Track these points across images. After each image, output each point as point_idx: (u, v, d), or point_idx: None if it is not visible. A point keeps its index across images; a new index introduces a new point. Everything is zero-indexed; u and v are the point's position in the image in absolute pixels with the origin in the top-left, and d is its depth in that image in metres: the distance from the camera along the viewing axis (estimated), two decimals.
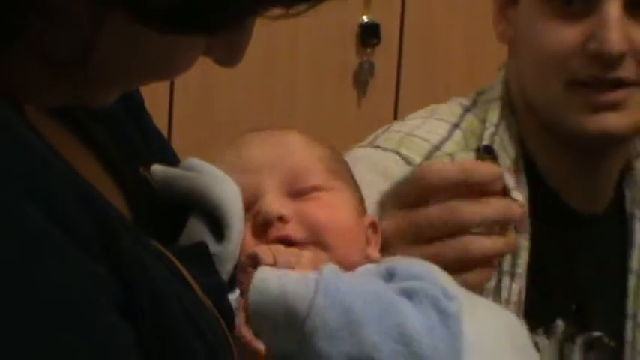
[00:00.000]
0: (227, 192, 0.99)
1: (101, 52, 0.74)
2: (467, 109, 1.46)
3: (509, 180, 1.11)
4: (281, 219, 1.03)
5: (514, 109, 1.43)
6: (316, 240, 1.06)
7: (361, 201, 1.14)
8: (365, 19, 2.33)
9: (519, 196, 1.11)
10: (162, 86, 2.25)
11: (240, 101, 2.34)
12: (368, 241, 1.12)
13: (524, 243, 1.35)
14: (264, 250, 1.03)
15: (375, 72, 2.33)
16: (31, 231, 0.66)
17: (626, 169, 1.47)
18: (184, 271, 0.80)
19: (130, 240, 0.73)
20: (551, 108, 1.39)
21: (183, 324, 0.75)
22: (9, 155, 0.68)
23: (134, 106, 0.95)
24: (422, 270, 1.05)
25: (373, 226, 1.13)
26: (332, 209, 1.09)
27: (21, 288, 0.65)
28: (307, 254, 1.06)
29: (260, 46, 2.21)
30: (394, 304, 0.99)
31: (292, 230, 1.03)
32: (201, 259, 0.87)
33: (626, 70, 1.35)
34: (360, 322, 0.98)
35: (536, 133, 1.42)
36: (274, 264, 1.03)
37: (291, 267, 1.03)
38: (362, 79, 2.36)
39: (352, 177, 1.15)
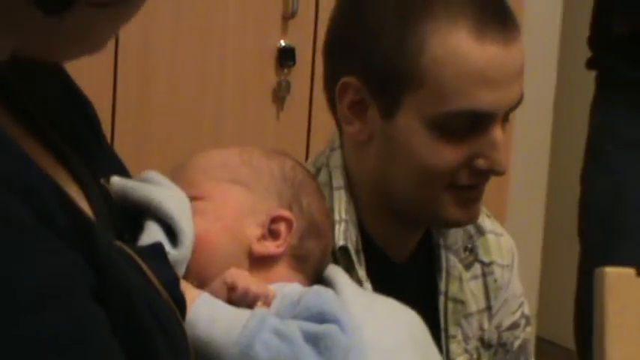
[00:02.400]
0: (178, 202, 1.01)
1: None
2: (318, 169, 1.43)
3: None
4: None
5: (356, 196, 1.39)
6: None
7: (266, 202, 1.13)
8: (282, 43, 2.38)
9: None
10: (105, 108, 2.24)
11: (176, 113, 2.37)
12: (262, 237, 1.11)
13: None
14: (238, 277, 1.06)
15: (291, 90, 2.37)
16: (18, 225, 0.65)
17: None
18: (144, 267, 0.79)
19: (102, 240, 0.72)
20: (426, 203, 1.35)
21: (146, 313, 0.74)
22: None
23: (94, 126, 0.93)
24: (324, 304, 1.05)
25: (276, 219, 1.12)
26: (201, 214, 1.08)
27: (11, 276, 0.64)
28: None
29: (194, 66, 2.36)
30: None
31: None
32: (157, 256, 0.85)
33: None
34: None
35: (375, 215, 1.37)
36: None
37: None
38: (280, 96, 2.39)
39: (268, 180, 1.15)
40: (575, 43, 2.52)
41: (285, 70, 2.37)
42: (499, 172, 1.34)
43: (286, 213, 1.12)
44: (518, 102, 1.34)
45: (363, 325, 1.06)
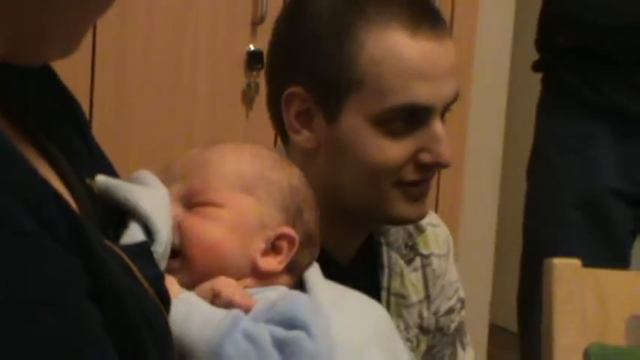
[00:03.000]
0: (156, 202, 0.99)
1: None
2: None
3: None
4: None
5: None
6: (182, 246, 1.07)
7: (272, 216, 1.12)
8: (251, 47, 2.40)
9: None
10: (84, 107, 2.27)
11: (152, 113, 2.36)
12: (266, 253, 1.10)
13: None
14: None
15: (259, 91, 2.34)
16: (23, 233, 0.64)
17: None
18: (132, 265, 0.78)
19: (94, 238, 0.71)
20: (376, 202, 1.34)
21: (135, 311, 0.73)
22: (3, 165, 0.66)
23: (82, 126, 0.91)
24: (295, 311, 1.04)
25: (280, 238, 1.12)
26: (206, 222, 1.09)
27: (14, 280, 0.63)
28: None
29: (168, 69, 2.36)
30: None
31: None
32: (144, 254, 0.85)
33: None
34: None
35: (323, 220, 1.27)
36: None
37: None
38: (249, 97, 2.40)
39: (261, 188, 1.13)
40: (528, 46, 2.50)
41: (254, 73, 2.38)
42: (443, 165, 1.35)
43: (291, 232, 1.12)
44: (454, 98, 1.34)
45: (332, 321, 1.06)
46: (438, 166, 1.35)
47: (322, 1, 1.35)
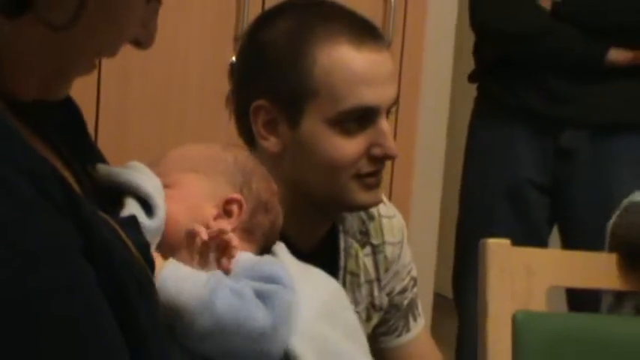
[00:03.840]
0: (154, 185, 1.00)
1: (88, 14, 0.69)
2: None
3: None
4: None
5: None
6: None
7: (220, 188, 1.11)
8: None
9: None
10: (91, 113, 2.24)
11: (148, 116, 2.34)
12: (218, 216, 1.09)
13: None
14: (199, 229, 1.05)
15: None
16: (23, 197, 0.63)
17: None
18: (121, 233, 0.77)
19: (88, 209, 0.70)
20: (338, 193, 1.34)
21: (124, 270, 0.72)
22: (6, 143, 0.65)
23: (82, 129, 0.91)
24: (272, 269, 1.05)
25: (229, 202, 1.10)
26: (170, 199, 1.05)
27: (15, 238, 0.62)
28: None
29: (163, 78, 2.34)
30: (252, 315, 0.98)
31: None
32: (132, 225, 0.84)
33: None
34: (224, 328, 0.98)
35: (290, 215, 1.27)
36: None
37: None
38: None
39: (223, 169, 1.13)
40: (468, 59, 2.50)
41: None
42: (391, 157, 1.36)
43: (237, 196, 1.11)
44: (395, 100, 1.35)
45: (299, 286, 1.06)
46: (387, 157, 1.35)
47: (277, 26, 1.36)
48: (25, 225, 0.63)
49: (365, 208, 1.41)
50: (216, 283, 0.99)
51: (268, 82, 1.35)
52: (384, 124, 1.33)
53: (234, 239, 1.06)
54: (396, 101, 1.36)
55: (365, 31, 1.33)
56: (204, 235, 1.04)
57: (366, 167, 1.34)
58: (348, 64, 1.31)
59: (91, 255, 0.68)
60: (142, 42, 0.78)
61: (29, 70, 0.72)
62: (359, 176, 1.34)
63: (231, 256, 1.06)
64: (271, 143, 1.35)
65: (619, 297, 1.50)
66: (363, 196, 1.36)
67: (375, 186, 1.37)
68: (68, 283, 0.65)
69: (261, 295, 1.00)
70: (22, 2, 0.66)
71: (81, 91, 0.81)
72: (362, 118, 1.32)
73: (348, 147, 1.32)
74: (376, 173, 1.36)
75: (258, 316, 0.99)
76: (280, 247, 1.17)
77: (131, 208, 0.96)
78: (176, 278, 0.99)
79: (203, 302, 0.98)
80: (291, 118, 1.34)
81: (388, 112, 1.36)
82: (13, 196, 0.63)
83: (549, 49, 2.22)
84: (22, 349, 0.62)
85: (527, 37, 2.22)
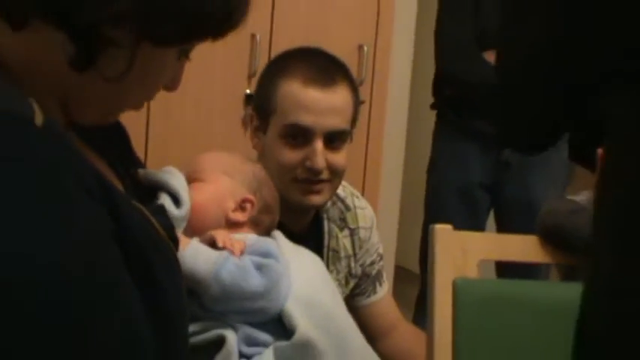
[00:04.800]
0: (181, 184, 0.97)
1: (134, 72, 0.67)
2: None
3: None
4: None
5: None
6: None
7: (239, 190, 1.10)
8: (247, 91, 2.33)
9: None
10: (141, 125, 2.22)
11: (186, 134, 2.30)
12: (236, 209, 1.08)
13: None
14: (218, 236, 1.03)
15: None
16: (68, 193, 0.60)
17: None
18: (151, 218, 0.75)
19: (120, 198, 0.68)
20: (285, 192, 1.30)
21: (150, 247, 0.69)
22: (60, 151, 0.62)
23: (127, 142, 0.89)
24: (268, 248, 1.03)
25: (245, 201, 1.10)
26: (200, 189, 1.05)
27: (62, 222, 0.58)
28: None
29: (195, 105, 2.29)
30: (248, 286, 0.97)
31: None
32: (160, 211, 0.82)
33: (324, 175, 1.32)
34: (229, 291, 0.97)
35: (284, 201, 1.28)
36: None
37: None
38: (245, 122, 2.34)
39: (243, 177, 1.12)
40: (424, 93, 2.51)
41: (249, 107, 2.35)
42: (317, 170, 1.30)
43: (251, 197, 1.11)
44: (338, 131, 1.31)
45: (291, 262, 1.05)
46: (314, 170, 1.30)
47: (268, 65, 1.38)
48: (70, 212, 0.60)
49: (302, 208, 1.35)
50: (223, 259, 0.98)
51: (256, 98, 1.39)
52: (318, 145, 1.29)
53: (237, 250, 1.02)
54: (338, 131, 1.31)
55: (318, 75, 1.31)
56: (220, 242, 1.02)
57: (301, 174, 1.31)
58: (295, 95, 1.30)
59: (119, 235, 0.64)
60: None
61: (88, 107, 0.71)
62: (297, 180, 1.31)
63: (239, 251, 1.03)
64: (257, 144, 1.37)
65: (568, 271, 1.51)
66: (299, 198, 1.33)
67: (308, 192, 1.32)
68: (104, 259, 0.62)
69: (259, 267, 0.99)
70: (89, 61, 0.65)
71: (134, 118, 0.78)
72: (301, 136, 1.30)
73: (288, 156, 1.31)
74: (310, 181, 1.32)
75: (255, 282, 0.97)
76: (278, 233, 1.15)
77: (163, 200, 0.94)
78: (194, 255, 0.97)
79: (212, 274, 0.96)
80: (263, 127, 1.35)
81: (330, 139, 1.31)
82: (60, 191, 0.60)
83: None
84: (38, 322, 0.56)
85: (476, 85, 2.22)
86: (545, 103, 0.64)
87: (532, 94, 0.65)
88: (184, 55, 0.74)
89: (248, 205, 1.10)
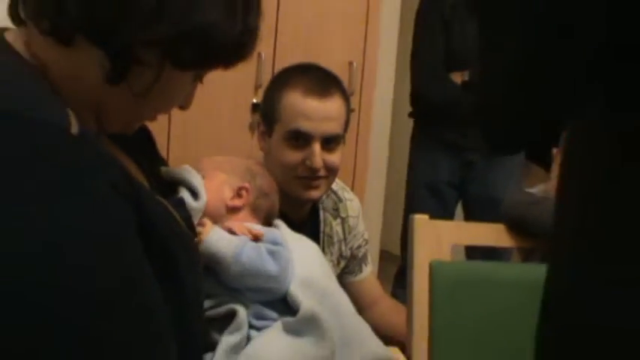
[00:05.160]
0: (198, 180, 0.97)
1: (155, 89, 0.68)
2: None
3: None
4: None
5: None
6: None
7: (233, 180, 1.07)
8: (254, 100, 2.32)
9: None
10: (164, 130, 2.22)
11: (197, 138, 2.28)
12: (234, 197, 1.06)
13: None
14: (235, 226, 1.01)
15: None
16: (100, 190, 0.59)
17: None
18: (172, 210, 0.74)
19: (145, 193, 0.67)
20: (288, 187, 1.30)
21: (170, 236, 0.69)
22: (90, 154, 0.61)
23: (153, 144, 0.89)
24: (276, 237, 1.02)
25: (240, 189, 1.07)
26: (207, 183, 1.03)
27: (94, 215, 0.58)
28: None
29: (207, 114, 2.28)
30: (263, 267, 0.96)
31: None
32: (179, 204, 0.82)
33: (322, 173, 1.31)
34: (247, 272, 0.95)
35: (282, 195, 1.21)
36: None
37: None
38: (252, 128, 2.34)
39: (236, 169, 1.09)
40: (401, 104, 2.50)
41: (256, 114, 2.34)
42: (315, 170, 1.30)
43: (246, 184, 1.08)
44: (333, 135, 1.30)
45: (293, 248, 1.04)
46: (313, 169, 1.30)
47: (272, 79, 1.37)
48: (100, 207, 0.59)
49: (302, 200, 1.35)
50: (242, 243, 0.97)
51: (262, 107, 1.37)
52: (316, 148, 1.29)
53: (254, 236, 1.01)
54: (334, 135, 1.31)
55: (315, 87, 1.30)
56: (238, 232, 1.00)
57: (302, 172, 1.31)
58: (296, 104, 1.30)
59: (142, 226, 0.63)
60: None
61: (116, 117, 0.70)
62: (298, 177, 1.31)
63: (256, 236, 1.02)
64: (263, 146, 1.36)
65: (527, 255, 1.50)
66: (300, 192, 1.32)
67: (308, 187, 1.32)
68: (128, 250, 0.61)
69: (271, 252, 0.98)
70: (121, 76, 0.66)
71: (158, 123, 0.78)
72: (302, 139, 1.29)
73: (291, 157, 1.30)
74: (309, 178, 1.31)
75: (270, 265, 0.96)
76: (280, 223, 1.14)
77: (182, 194, 0.93)
78: (217, 239, 0.97)
79: (233, 256, 0.95)
80: (268, 131, 1.34)
81: (327, 142, 1.30)
82: (92, 189, 0.59)
83: (457, 112, 2.22)
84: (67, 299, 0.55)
85: (442, 105, 2.27)
86: (520, 117, 0.63)
87: (511, 111, 0.64)
88: (198, 79, 0.75)
89: (244, 192, 1.08)
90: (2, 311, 0.52)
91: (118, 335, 0.57)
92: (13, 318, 0.52)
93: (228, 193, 1.07)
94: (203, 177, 1.04)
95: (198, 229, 0.95)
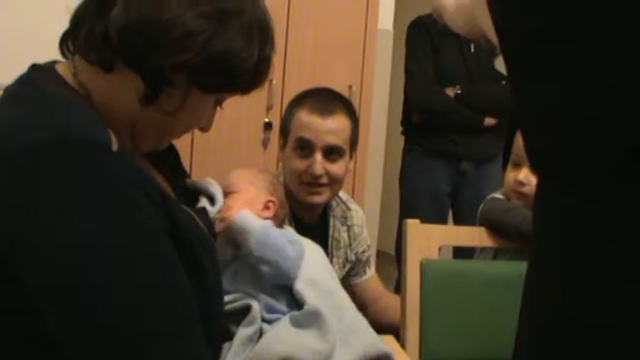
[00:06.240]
0: (217, 189, 0.94)
1: (183, 110, 0.68)
2: None
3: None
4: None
5: (289, 189, 1.32)
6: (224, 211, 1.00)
7: (263, 194, 1.07)
8: (266, 119, 2.31)
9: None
10: (187, 146, 2.20)
11: (216, 151, 2.26)
12: (263, 209, 1.06)
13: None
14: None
15: (270, 141, 2.29)
16: (132, 197, 0.61)
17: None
18: (195, 217, 0.74)
19: (172, 203, 0.67)
20: (296, 191, 1.31)
21: (196, 241, 0.69)
22: (129, 168, 0.62)
23: (178, 158, 0.89)
24: (293, 234, 1.03)
25: (269, 202, 1.07)
26: (236, 198, 1.03)
27: (125, 219, 0.59)
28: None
29: (228, 131, 2.27)
30: (284, 247, 0.96)
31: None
32: (203, 212, 0.81)
33: (323, 180, 1.31)
34: (271, 242, 0.96)
35: (294, 200, 1.31)
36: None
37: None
38: (264, 144, 2.32)
39: (263, 184, 1.08)
40: (394, 119, 2.47)
41: (268, 132, 2.33)
42: (316, 176, 1.30)
43: (274, 198, 1.09)
44: (333, 146, 1.30)
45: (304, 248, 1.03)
46: (314, 176, 1.30)
47: (290, 101, 1.38)
48: (137, 215, 0.61)
49: (307, 204, 1.34)
50: (268, 226, 0.99)
51: (281, 124, 1.40)
52: (317, 156, 1.30)
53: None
54: (335, 146, 1.31)
55: (320, 106, 1.31)
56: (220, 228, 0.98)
57: (306, 178, 1.31)
58: (302, 120, 1.32)
59: (172, 232, 0.65)
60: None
61: (148, 135, 0.71)
62: (303, 183, 1.31)
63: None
64: (280, 157, 1.38)
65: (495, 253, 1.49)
66: (304, 196, 1.32)
67: (310, 192, 1.32)
68: (161, 251, 0.62)
69: (290, 241, 0.99)
70: (154, 97, 0.67)
71: (183, 140, 0.79)
72: (307, 149, 1.30)
73: (297, 164, 1.31)
74: (311, 184, 1.31)
75: (289, 249, 0.97)
76: (289, 228, 1.12)
77: (203, 202, 0.92)
78: (247, 215, 0.98)
79: (263, 231, 0.96)
80: (284, 144, 1.37)
81: (328, 152, 1.31)
82: (125, 197, 0.61)
83: (453, 119, 2.22)
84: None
85: (441, 112, 2.25)
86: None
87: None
88: (218, 104, 0.76)
89: (271, 205, 1.08)
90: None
91: (161, 308, 0.60)
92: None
93: (259, 206, 1.07)
94: (236, 191, 1.05)
95: (223, 213, 0.95)
